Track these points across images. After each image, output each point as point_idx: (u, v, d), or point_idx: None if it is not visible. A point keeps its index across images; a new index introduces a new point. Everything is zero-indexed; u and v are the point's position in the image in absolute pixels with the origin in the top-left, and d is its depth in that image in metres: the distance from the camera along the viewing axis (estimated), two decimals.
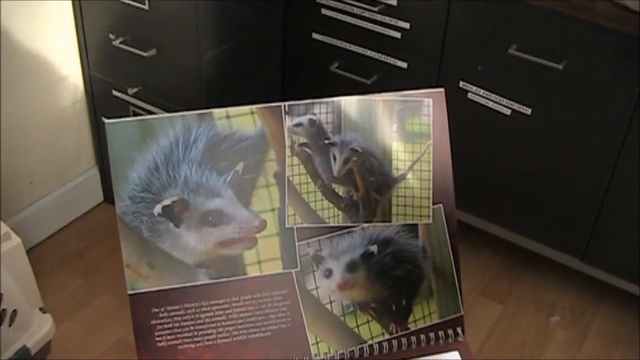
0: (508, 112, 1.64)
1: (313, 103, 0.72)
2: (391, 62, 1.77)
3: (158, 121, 0.70)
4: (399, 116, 0.85)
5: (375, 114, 0.81)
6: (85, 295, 1.93)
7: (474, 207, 1.88)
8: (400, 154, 0.86)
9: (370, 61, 1.79)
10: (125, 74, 1.90)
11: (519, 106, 1.62)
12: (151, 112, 1.88)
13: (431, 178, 0.80)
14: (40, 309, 1.60)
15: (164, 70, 1.81)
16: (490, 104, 1.65)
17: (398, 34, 1.71)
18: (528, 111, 1.62)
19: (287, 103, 0.71)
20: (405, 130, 0.86)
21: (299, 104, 0.72)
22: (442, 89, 0.83)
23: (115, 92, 1.95)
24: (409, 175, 0.87)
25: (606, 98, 1.54)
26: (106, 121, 0.70)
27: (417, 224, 0.90)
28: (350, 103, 0.77)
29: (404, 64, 1.75)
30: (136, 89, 1.88)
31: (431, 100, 0.84)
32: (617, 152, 1.57)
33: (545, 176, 1.71)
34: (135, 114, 1.93)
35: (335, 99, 0.75)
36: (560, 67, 1.53)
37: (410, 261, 0.92)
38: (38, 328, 1.57)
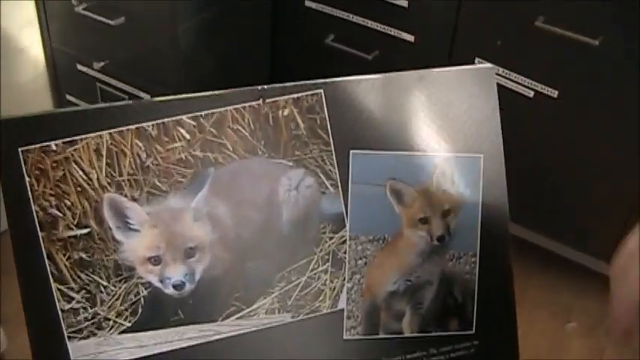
0: (531, 94, 1.55)
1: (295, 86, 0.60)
2: (396, 35, 1.66)
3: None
4: None
5: None
6: None
7: None
8: None
9: (371, 33, 1.68)
10: (91, 46, 1.82)
11: (544, 87, 1.52)
12: (119, 89, 1.82)
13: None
14: None
15: (135, 41, 1.72)
16: (510, 85, 1.56)
17: (405, 2, 1.60)
18: (555, 93, 1.52)
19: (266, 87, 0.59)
20: None
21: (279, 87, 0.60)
22: (491, 65, 0.68)
23: (79, 67, 1.86)
24: None
25: None
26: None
27: None
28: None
29: (410, 37, 1.64)
30: (102, 63, 1.80)
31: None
32: None
33: (571, 168, 1.62)
34: (102, 91, 1.86)
35: (325, 81, 0.61)
36: (596, 43, 1.41)
37: None
38: None
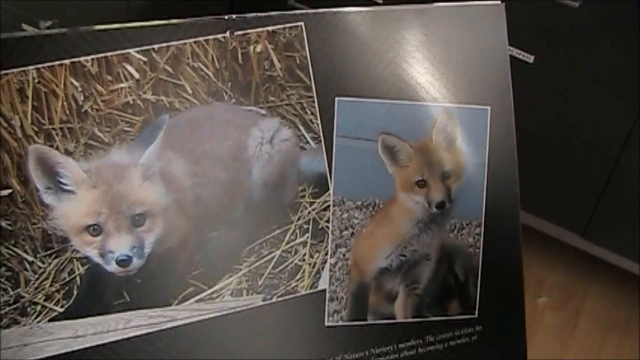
0: None
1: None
2: None
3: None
4: None
5: None
6: None
7: None
8: None
9: None
10: (37, 3, 1.71)
11: (519, 52, 1.50)
12: None
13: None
14: None
15: None
16: None
17: None
18: (530, 59, 1.50)
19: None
20: None
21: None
22: (500, 2, 0.63)
23: (25, 26, 1.73)
24: None
25: (627, 46, 1.41)
26: None
27: None
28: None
29: None
30: (49, 22, 1.67)
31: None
32: (636, 111, 1.45)
33: (547, 138, 1.59)
34: None
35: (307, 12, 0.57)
36: (576, 4, 1.38)
37: None
38: None
